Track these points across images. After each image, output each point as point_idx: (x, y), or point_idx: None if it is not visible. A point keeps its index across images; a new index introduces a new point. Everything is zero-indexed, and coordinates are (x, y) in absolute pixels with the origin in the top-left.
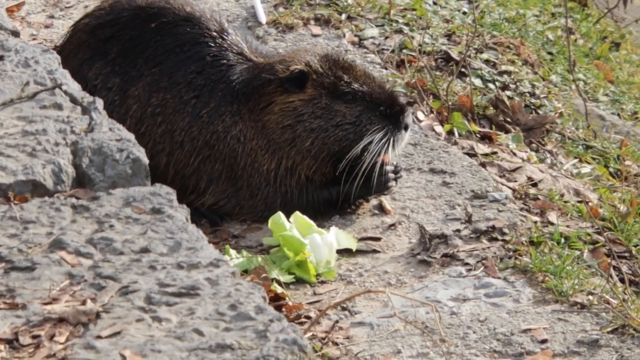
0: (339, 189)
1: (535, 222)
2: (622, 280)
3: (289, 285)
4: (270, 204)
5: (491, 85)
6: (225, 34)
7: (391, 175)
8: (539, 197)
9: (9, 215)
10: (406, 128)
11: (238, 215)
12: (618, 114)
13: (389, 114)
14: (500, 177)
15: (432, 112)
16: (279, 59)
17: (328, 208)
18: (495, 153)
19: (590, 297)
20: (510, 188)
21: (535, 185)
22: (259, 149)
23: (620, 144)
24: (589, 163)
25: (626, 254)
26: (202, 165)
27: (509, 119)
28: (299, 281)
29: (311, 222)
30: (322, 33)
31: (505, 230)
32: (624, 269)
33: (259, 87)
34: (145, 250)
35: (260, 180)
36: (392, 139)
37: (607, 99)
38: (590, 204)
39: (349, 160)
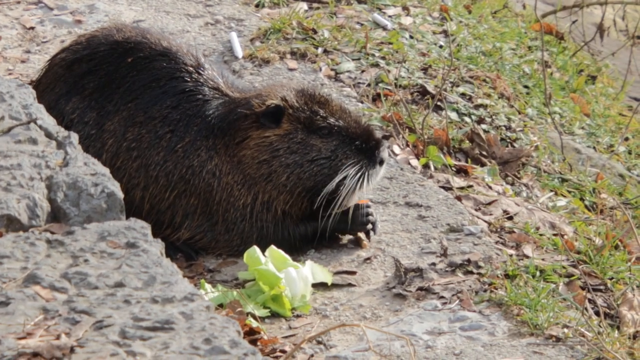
0: (316, 224)
1: (511, 256)
2: (597, 313)
3: (264, 319)
4: (246, 238)
5: (467, 119)
6: (202, 68)
7: (371, 217)
8: (515, 230)
9: None
10: (381, 162)
11: (214, 249)
12: (594, 147)
13: (364, 148)
14: (475, 210)
15: (407, 145)
16: (255, 93)
17: (304, 243)
18: (470, 186)
19: (566, 330)
20: (485, 221)
21: (510, 218)
22: (234, 183)
23: (596, 177)
24: (564, 196)
25: (601, 287)
26: (178, 200)
27: (484, 153)
28: (274, 315)
29: (286, 256)
30: (298, 67)
31: (481, 263)
32: (599, 301)
33: (234, 122)
34: (119, 285)
35: (236, 215)
36: (366, 173)
37: (583, 132)
38: (565, 237)
39: (325, 195)
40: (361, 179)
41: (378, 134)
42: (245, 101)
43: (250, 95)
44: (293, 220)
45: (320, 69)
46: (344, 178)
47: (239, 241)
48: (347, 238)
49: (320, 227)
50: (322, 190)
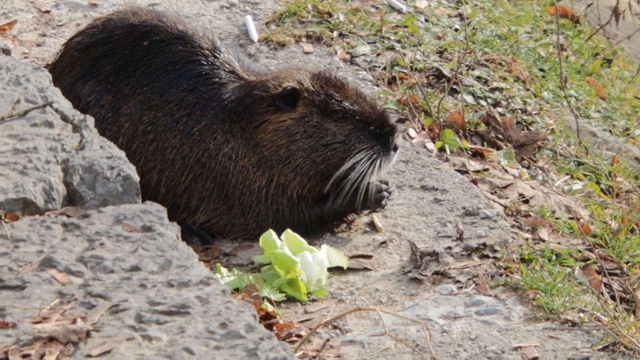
0: (331, 206)
1: (527, 239)
2: (613, 298)
3: (279, 303)
4: (261, 222)
5: (483, 102)
6: (217, 52)
7: (385, 193)
8: (531, 213)
9: (0, 233)
10: (395, 149)
11: (230, 233)
12: (610, 131)
13: (378, 134)
14: (491, 194)
15: (423, 129)
16: (271, 76)
17: (319, 226)
18: (486, 170)
19: (581, 315)
20: (501, 205)
21: (526, 202)
22: (250, 166)
23: (611, 161)
24: (580, 180)
25: (617, 271)
26: (194, 184)
27: (500, 136)
28: (290, 299)
29: (302, 240)
30: (314, 50)
31: (497, 247)
32: (615, 286)
33: (251, 105)
34: (135, 269)
35: (252, 199)
36: (378, 159)
37: (599, 116)
38: (581, 220)
39: (336, 180)
40: (372, 166)
41: (393, 119)
42: (261, 84)
43: (267, 78)
44: (308, 203)
45: (336, 53)
46: (356, 163)
47: (255, 225)
48: (363, 222)
49: (339, 208)
50: (334, 174)
